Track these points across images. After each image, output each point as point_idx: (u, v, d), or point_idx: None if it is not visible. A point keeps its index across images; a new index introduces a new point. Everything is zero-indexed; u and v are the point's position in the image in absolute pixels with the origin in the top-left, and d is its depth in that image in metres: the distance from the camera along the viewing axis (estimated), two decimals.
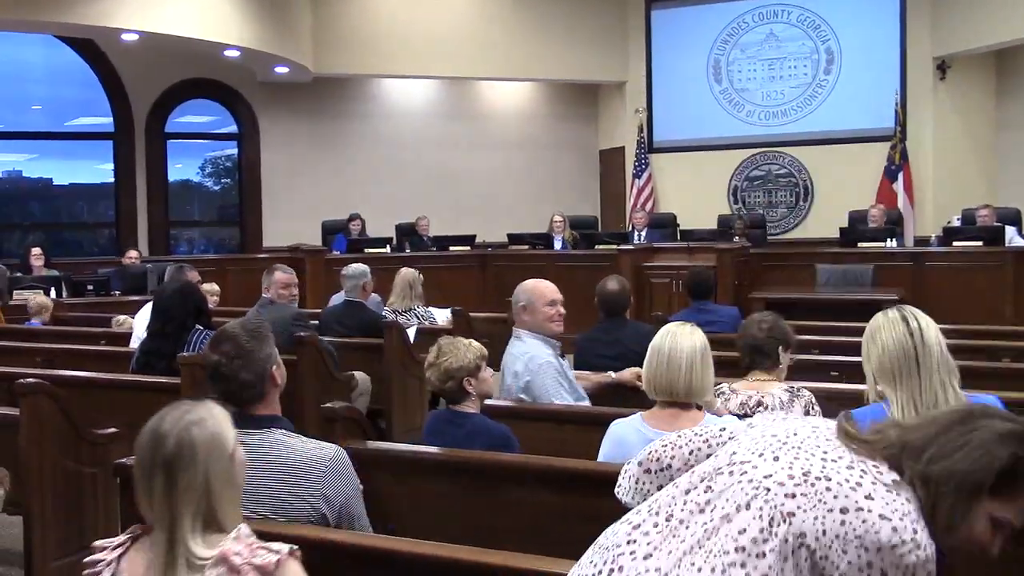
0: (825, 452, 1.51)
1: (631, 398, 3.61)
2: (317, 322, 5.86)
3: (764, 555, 1.41)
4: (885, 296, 6.91)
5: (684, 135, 12.18)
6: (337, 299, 6.45)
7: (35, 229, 11.57)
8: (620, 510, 1.76)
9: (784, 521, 1.43)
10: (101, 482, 3.58)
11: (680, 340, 2.80)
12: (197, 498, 1.63)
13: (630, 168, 12.30)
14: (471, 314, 6.35)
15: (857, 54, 11.38)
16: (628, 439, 2.82)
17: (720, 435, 1.76)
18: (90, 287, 8.39)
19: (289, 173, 11.94)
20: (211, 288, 7.10)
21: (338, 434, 2.85)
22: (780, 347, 3.29)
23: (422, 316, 6.31)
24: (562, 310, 3.91)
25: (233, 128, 12.09)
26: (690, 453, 1.78)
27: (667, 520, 1.55)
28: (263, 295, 5.44)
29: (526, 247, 10.22)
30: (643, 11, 12.30)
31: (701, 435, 1.80)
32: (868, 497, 1.42)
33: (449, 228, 10.76)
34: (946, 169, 11.07)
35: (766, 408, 3.11)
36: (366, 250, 9.84)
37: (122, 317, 6.78)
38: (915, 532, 1.39)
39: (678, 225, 10.76)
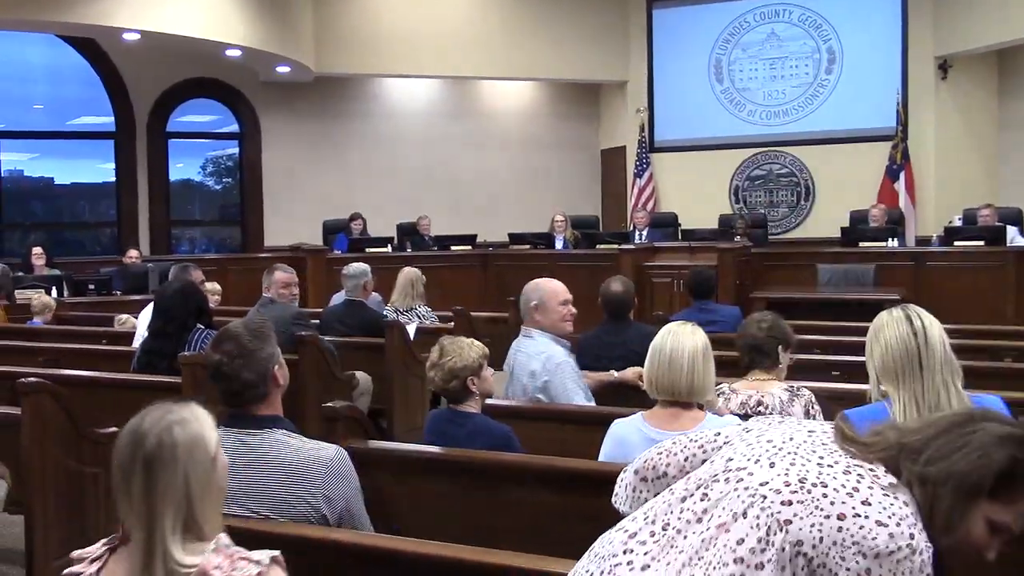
0: (821, 457, 1.50)
1: (632, 398, 3.61)
2: (318, 321, 5.86)
3: (762, 566, 1.40)
4: (886, 296, 6.91)
5: (685, 134, 12.17)
6: (338, 299, 6.45)
7: (36, 228, 11.57)
8: (620, 511, 1.76)
9: (781, 529, 1.42)
10: (103, 482, 3.56)
11: (682, 339, 2.81)
12: (177, 500, 1.56)
13: (631, 168, 12.29)
14: (472, 313, 6.35)
15: (858, 53, 11.38)
16: (629, 439, 2.82)
17: (715, 440, 1.73)
18: (91, 286, 8.41)
19: (290, 172, 11.94)
20: (212, 288, 7.12)
21: (339, 434, 2.84)
22: (779, 346, 3.29)
23: (423, 315, 6.31)
24: (573, 310, 3.92)
25: (234, 127, 12.09)
26: (685, 459, 1.76)
27: (664, 529, 1.53)
28: (264, 294, 5.45)
29: (527, 247, 10.22)
30: (644, 10, 12.29)
31: (696, 441, 1.77)
32: (865, 503, 1.42)
33: (450, 228, 10.76)
34: (947, 169, 11.06)
35: (766, 408, 3.11)
36: (367, 250, 9.85)
37: (124, 316, 6.80)
38: (912, 537, 1.39)
39: (679, 225, 10.74)
